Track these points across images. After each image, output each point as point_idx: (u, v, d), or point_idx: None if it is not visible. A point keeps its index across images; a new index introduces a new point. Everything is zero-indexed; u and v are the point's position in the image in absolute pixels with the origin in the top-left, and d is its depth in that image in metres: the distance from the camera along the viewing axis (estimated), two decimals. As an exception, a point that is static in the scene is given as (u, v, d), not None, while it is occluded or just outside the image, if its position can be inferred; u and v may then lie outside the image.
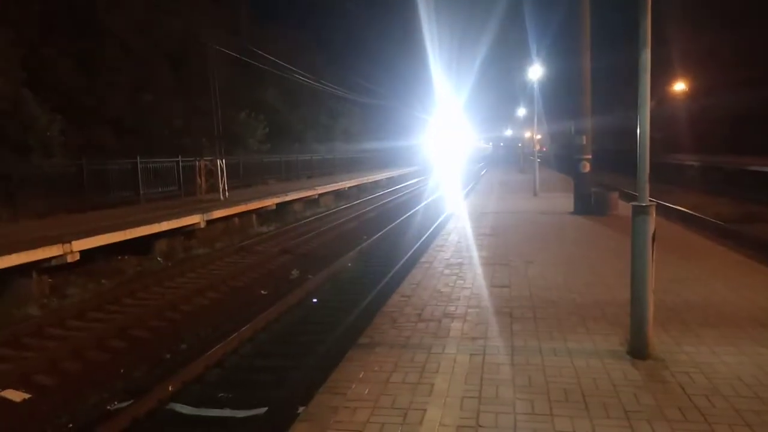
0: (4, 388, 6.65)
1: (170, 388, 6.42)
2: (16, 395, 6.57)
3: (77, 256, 11.05)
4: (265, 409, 6.01)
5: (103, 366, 7.45)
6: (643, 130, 4.73)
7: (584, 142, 14.44)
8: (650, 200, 4.76)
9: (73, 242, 10.91)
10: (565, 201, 16.77)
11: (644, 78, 4.75)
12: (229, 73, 24.71)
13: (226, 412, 6.09)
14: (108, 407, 6.30)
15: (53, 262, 10.61)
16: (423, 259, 9.33)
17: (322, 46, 41.31)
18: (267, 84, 32.04)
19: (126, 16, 20.21)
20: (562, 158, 47.98)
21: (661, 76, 37.13)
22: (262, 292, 10.88)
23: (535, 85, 23.55)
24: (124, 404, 6.21)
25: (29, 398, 6.53)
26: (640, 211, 4.72)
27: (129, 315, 9.17)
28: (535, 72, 22.89)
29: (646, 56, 4.73)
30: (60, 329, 8.79)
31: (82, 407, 6.33)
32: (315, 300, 10.00)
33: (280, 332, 8.62)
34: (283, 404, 6.02)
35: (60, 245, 10.63)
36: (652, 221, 4.71)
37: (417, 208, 23.69)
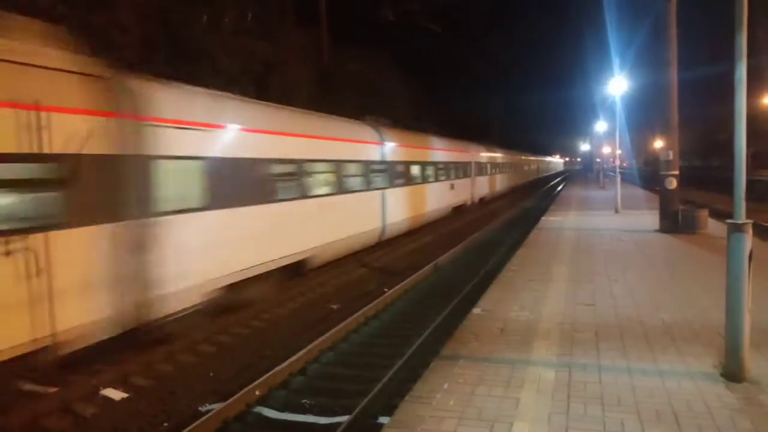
0: (105, 387, 7.13)
1: (257, 393, 6.69)
2: (115, 394, 7.02)
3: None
4: (347, 416, 6.14)
5: (194, 369, 7.83)
6: (739, 145, 4.58)
7: (671, 158, 13.97)
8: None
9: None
10: (650, 218, 16.22)
11: (740, 92, 4.62)
12: (310, 93, 25.46)
13: (310, 418, 6.28)
14: (199, 408, 6.63)
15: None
16: (502, 274, 9.29)
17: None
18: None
19: (219, 40, 21.27)
20: (646, 174, 46.38)
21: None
22: (333, 306, 11.03)
23: (617, 99, 22.81)
24: (215, 406, 6.51)
25: (127, 397, 6.96)
26: (736, 229, 4.57)
27: (216, 323, 9.58)
28: (618, 86, 22.15)
29: (742, 69, 4.60)
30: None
31: (175, 407, 6.70)
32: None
33: (358, 342, 8.79)
34: (365, 413, 6.14)
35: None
36: (748, 239, 4.55)
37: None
